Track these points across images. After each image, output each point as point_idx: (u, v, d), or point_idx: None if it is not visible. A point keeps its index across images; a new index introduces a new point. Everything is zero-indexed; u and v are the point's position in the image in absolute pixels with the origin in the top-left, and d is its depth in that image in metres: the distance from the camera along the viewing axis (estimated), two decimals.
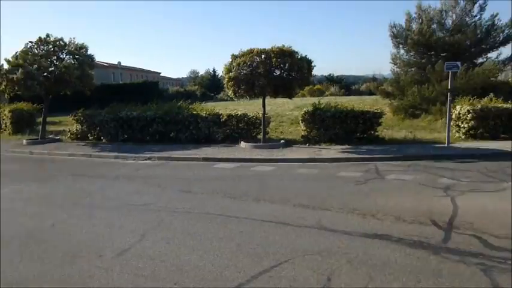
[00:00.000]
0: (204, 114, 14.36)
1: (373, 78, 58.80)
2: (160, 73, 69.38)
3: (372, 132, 13.79)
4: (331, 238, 4.87)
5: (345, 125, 13.29)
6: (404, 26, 23.06)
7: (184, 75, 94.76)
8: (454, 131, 14.69)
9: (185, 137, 14.35)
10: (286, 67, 12.33)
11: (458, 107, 14.66)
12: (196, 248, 4.71)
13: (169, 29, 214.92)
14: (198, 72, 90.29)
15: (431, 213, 5.69)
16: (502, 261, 4.06)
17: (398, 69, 24.05)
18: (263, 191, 7.44)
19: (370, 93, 38.30)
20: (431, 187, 7.41)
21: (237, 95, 12.87)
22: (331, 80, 62.92)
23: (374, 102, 24.13)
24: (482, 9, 21.95)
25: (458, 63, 13.09)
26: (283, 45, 12.37)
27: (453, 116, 14.61)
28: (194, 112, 14.70)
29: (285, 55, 12.18)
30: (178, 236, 5.15)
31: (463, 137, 14.33)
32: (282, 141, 13.60)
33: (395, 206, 6.15)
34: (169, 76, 78.56)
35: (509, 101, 14.92)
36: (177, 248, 4.73)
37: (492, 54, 22.74)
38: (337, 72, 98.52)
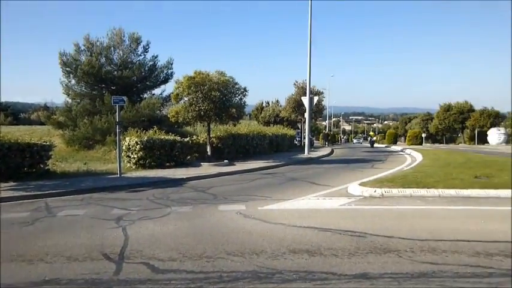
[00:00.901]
0: None
1: (45, 107, 55.22)
2: None
3: (42, 166, 12.89)
4: None
5: (8, 159, 11.86)
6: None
7: None
8: (125, 161, 15.43)
9: None
10: None
11: (128, 139, 15.53)
12: None
13: None
14: None
15: (103, 247, 5.72)
16: (167, 282, 4.47)
17: (70, 99, 23.54)
18: None
19: (42, 123, 35.79)
20: (104, 219, 7.48)
21: None
22: None
23: (46, 133, 22.70)
24: (145, 50, 24.23)
25: (124, 97, 13.96)
26: None
27: (124, 147, 15.37)
28: None
29: None
30: None
31: (134, 167, 15.24)
32: None
33: (67, 245, 5.87)
34: None
35: (170, 133, 16.95)
36: None
37: (157, 91, 25.42)
38: (2, 98, 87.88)
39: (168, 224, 7.10)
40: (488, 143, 48.87)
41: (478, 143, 51.87)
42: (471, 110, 62.67)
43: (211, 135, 18.14)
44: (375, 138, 44.53)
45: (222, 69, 17.26)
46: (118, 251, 5.56)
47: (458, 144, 60.90)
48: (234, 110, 17.01)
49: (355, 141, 74.25)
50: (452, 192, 9.56)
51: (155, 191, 10.86)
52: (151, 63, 24.69)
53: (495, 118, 56.66)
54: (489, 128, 52.21)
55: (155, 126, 17.30)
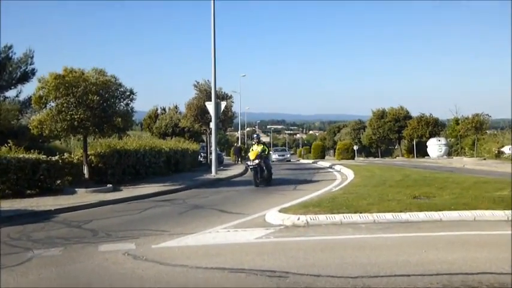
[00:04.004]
0: None
1: None
2: None
3: None
4: None
5: None
6: None
7: None
8: None
9: None
10: None
11: None
12: None
13: None
14: None
15: None
16: None
17: None
18: None
19: None
20: None
21: None
22: None
23: None
24: None
25: None
26: None
27: None
28: None
29: None
30: None
31: None
32: None
33: None
34: None
35: (32, 150, 16.10)
36: None
37: (11, 93, 24.05)
38: None
39: (28, 273, 6.69)
40: (428, 155, 52.63)
41: (417, 156, 55.75)
42: (408, 116, 67.05)
43: (88, 152, 17.51)
44: (289, 155, 30.99)
45: (101, 67, 16.81)
46: None
47: (395, 157, 65.03)
48: (118, 118, 16.62)
49: (275, 156, 55.53)
50: (388, 216, 10.14)
51: (10, 229, 10.19)
52: (2, 55, 23.35)
53: (434, 126, 61.10)
54: (428, 138, 56.23)
55: (10, 141, 16.33)
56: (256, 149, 19.42)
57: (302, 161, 57.31)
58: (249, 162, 19.47)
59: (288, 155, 56.42)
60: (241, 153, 45.38)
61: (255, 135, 20.93)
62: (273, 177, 19.55)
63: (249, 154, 20.09)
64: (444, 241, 8.17)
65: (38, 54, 24.73)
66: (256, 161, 18.65)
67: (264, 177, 19.02)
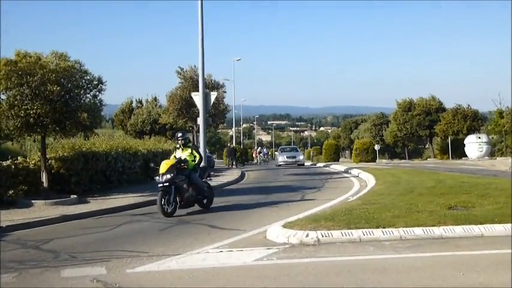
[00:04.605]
0: None
1: None
2: None
3: None
4: None
5: None
6: None
7: None
8: None
9: None
10: None
11: None
12: None
13: None
14: None
15: None
16: None
17: None
18: None
19: None
20: None
21: None
22: None
23: None
24: None
25: None
26: None
27: None
28: None
29: None
30: None
31: None
32: None
33: None
34: None
35: None
36: None
37: None
38: None
39: None
40: (466, 156, 52.49)
41: (452, 157, 55.67)
42: (441, 109, 66.54)
43: (48, 156, 17.49)
44: (302, 156, 39.05)
45: (62, 50, 16.76)
46: None
47: (425, 159, 65.00)
48: (84, 114, 16.55)
49: (282, 158, 50.98)
50: (418, 231, 10.12)
51: None
52: None
53: (473, 120, 60.57)
54: (466, 135, 55.95)
55: None
56: (179, 155, 15.18)
57: (317, 164, 57.04)
58: (157, 178, 14.29)
59: (301, 157, 52.14)
60: (236, 156, 45.34)
61: (179, 134, 15.66)
62: (272, 184, 18.98)
63: (161, 164, 14.53)
64: (487, 261, 8.16)
65: None
66: (167, 176, 13.96)
67: (189, 200, 14.64)
